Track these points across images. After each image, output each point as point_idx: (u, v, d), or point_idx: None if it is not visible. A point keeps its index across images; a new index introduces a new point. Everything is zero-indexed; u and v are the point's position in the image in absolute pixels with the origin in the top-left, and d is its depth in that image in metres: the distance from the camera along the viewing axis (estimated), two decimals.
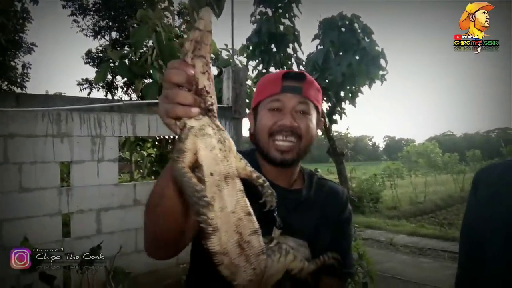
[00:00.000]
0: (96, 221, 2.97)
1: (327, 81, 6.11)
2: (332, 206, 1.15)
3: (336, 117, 6.80)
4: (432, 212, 13.98)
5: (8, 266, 1.72)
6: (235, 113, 3.60)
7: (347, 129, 15.56)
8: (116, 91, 16.53)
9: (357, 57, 5.89)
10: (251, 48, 6.32)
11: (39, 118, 2.71)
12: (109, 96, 15.84)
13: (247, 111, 2.51)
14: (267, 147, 1.05)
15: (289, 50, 6.37)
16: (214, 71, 4.89)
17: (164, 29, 3.69)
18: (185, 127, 0.66)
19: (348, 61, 5.80)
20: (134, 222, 3.10)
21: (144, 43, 4.19)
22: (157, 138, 4.47)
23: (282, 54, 6.28)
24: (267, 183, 0.75)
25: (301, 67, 6.34)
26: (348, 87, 6.27)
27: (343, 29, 6.03)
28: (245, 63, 6.16)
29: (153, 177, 4.50)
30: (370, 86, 6.21)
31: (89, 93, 16.31)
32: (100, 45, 16.60)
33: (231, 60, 4.78)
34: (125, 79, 11.17)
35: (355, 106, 6.62)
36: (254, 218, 0.72)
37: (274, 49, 6.29)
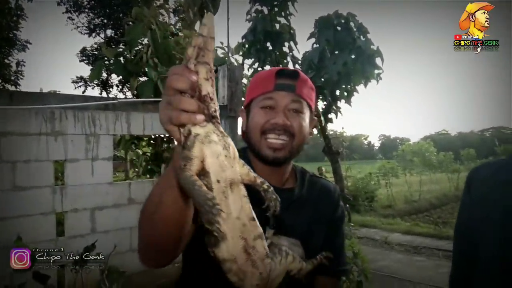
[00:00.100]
0: (91, 220, 2.95)
1: (322, 79, 6.13)
2: (324, 204, 1.14)
3: (331, 115, 6.83)
4: (427, 210, 14.09)
5: (2, 265, 1.71)
6: (231, 111, 3.58)
7: (343, 128, 15.65)
8: (111, 89, 16.52)
9: (353, 56, 5.92)
10: (246, 46, 6.32)
11: (33, 116, 2.68)
12: (104, 94, 15.82)
13: None
14: (259, 145, 1.04)
15: (285, 49, 6.38)
16: None
17: (159, 27, 3.68)
18: (190, 134, 0.65)
19: (344, 60, 5.82)
20: (129, 221, 3.08)
21: (139, 41, 4.19)
22: (152, 137, 4.45)
23: (277, 53, 6.28)
24: (271, 188, 0.75)
25: (296, 66, 6.35)
26: (343, 86, 6.29)
27: (338, 28, 6.05)
28: (240, 61, 6.16)
29: (148, 176, 4.47)
30: (365, 85, 6.23)
31: (83, 91, 16.31)
32: (95, 43, 16.60)
33: (226, 59, 4.76)
34: (120, 77, 11.16)
35: (350, 105, 6.65)
36: (258, 223, 0.72)
37: (270, 48, 6.28)
